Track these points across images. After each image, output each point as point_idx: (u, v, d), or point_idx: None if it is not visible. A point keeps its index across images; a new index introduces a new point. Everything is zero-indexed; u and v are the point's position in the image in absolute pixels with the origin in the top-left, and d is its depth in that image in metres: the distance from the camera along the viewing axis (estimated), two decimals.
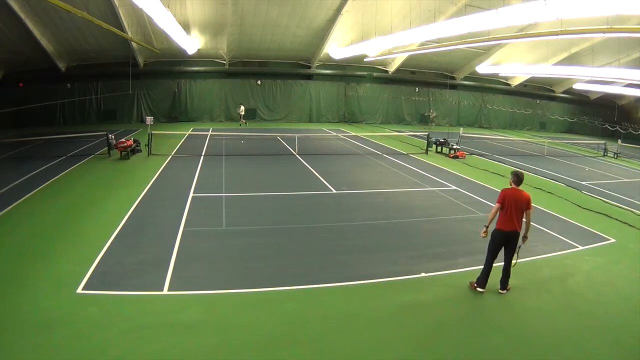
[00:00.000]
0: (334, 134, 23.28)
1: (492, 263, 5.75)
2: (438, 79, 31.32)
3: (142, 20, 19.52)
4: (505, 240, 5.67)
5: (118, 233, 7.39)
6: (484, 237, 5.73)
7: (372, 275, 6.16)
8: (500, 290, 5.80)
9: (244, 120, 25.87)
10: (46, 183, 10.71)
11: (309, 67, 28.00)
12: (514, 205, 5.54)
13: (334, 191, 11.01)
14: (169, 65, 25.61)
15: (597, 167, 17.99)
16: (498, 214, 5.68)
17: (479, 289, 5.81)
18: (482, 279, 5.82)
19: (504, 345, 4.67)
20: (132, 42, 21.03)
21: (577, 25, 12.22)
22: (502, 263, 5.76)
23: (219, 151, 16.25)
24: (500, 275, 5.81)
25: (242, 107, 25.95)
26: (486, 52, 26.69)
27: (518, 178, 5.72)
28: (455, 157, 17.27)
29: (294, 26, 22.49)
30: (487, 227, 5.72)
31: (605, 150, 22.07)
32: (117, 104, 25.03)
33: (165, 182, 11.29)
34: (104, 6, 17.14)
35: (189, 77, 26.52)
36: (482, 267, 5.88)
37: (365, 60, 25.92)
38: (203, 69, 26.38)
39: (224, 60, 25.91)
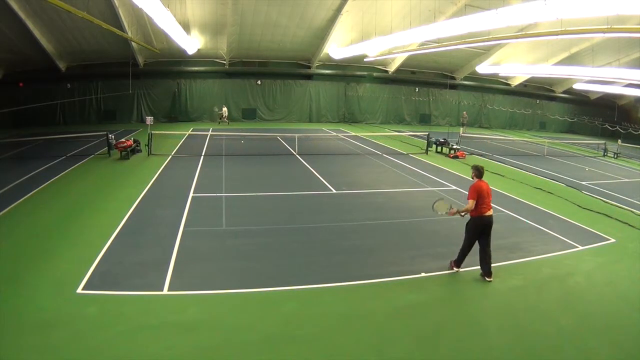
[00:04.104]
0: (334, 134, 23.28)
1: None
2: (438, 79, 31.31)
3: (142, 20, 19.53)
4: None
5: (118, 233, 7.39)
6: None
7: (372, 275, 6.15)
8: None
9: (225, 120, 26.10)
10: (46, 183, 10.71)
11: (309, 67, 28.00)
12: None
13: (334, 191, 11.01)
14: (169, 65, 25.64)
15: (597, 167, 17.98)
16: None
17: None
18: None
19: (504, 345, 4.67)
20: (132, 42, 21.04)
21: (577, 25, 12.22)
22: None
23: (219, 151, 16.25)
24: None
25: (225, 109, 26.28)
26: (486, 52, 26.69)
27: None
28: (455, 157, 17.27)
29: (294, 26, 22.50)
30: None
31: (605, 150, 22.06)
32: (117, 104, 25.07)
33: (165, 182, 11.29)
34: (104, 6, 17.14)
35: (189, 77, 26.55)
36: (479, 267, 6.24)
37: (365, 60, 25.92)
38: (203, 69, 26.40)
39: (224, 60, 25.92)
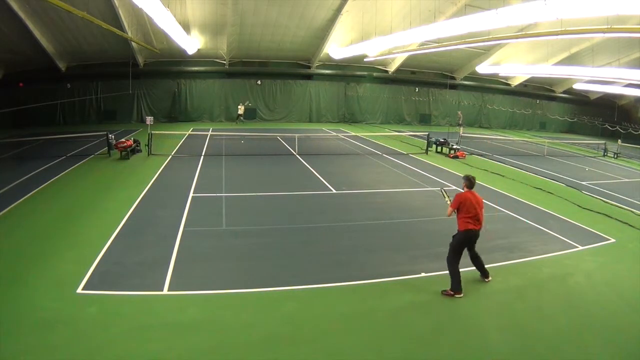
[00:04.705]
0: (334, 134, 23.28)
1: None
2: (438, 79, 31.31)
3: (142, 20, 19.51)
4: None
5: (118, 233, 7.39)
6: None
7: (372, 275, 6.16)
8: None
9: (241, 120, 26.19)
10: (46, 183, 10.71)
11: (309, 67, 27.99)
12: None
13: (334, 191, 11.01)
14: (169, 65, 25.63)
15: (597, 167, 17.98)
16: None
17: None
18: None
19: (503, 346, 4.67)
20: (132, 42, 21.03)
21: (577, 25, 12.22)
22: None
23: (219, 151, 16.25)
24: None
25: (242, 107, 26.23)
26: (486, 52, 26.68)
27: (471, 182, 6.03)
28: (455, 157, 17.27)
29: (294, 26, 22.49)
30: None
31: (605, 150, 22.06)
32: (117, 104, 25.03)
33: (165, 182, 11.28)
34: (104, 6, 17.13)
35: (189, 77, 26.54)
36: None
37: (365, 60, 25.91)
38: (203, 69, 26.39)
39: (224, 60, 25.91)
